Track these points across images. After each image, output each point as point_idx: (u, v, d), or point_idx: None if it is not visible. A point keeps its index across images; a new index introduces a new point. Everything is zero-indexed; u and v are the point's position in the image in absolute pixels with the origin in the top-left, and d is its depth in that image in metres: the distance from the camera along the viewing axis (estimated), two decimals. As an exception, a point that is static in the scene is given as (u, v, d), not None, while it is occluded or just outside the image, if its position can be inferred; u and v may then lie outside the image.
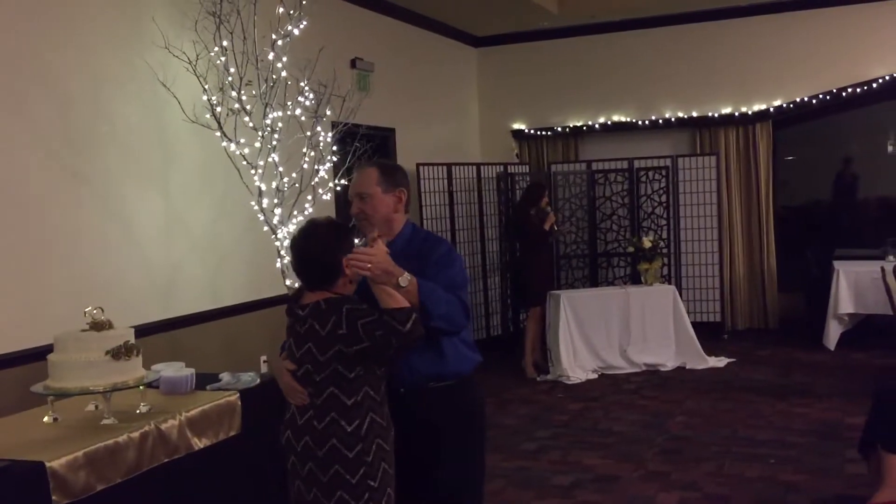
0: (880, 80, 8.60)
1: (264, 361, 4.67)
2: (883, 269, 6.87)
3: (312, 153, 5.38)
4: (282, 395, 2.84)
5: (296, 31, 5.20)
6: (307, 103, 5.35)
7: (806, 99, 8.90)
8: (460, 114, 9.89)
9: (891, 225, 8.85)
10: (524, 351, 7.74)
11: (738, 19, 9.07)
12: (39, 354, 3.73)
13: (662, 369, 7.62)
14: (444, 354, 2.88)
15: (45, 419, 3.36)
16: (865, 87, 8.66)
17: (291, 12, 5.18)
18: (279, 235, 5.15)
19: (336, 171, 5.70)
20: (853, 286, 7.85)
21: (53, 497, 2.83)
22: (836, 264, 8.05)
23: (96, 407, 3.49)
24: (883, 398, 4.00)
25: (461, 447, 2.93)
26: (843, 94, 8.74)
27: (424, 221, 8.25)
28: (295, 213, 5.29)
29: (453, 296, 2.81)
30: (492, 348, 8.73)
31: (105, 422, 3.27)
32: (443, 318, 2.76)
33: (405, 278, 2.69)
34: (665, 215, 8.76)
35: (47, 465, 2.84)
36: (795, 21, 8.91)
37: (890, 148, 9.20)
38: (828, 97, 8.82)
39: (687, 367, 7.66)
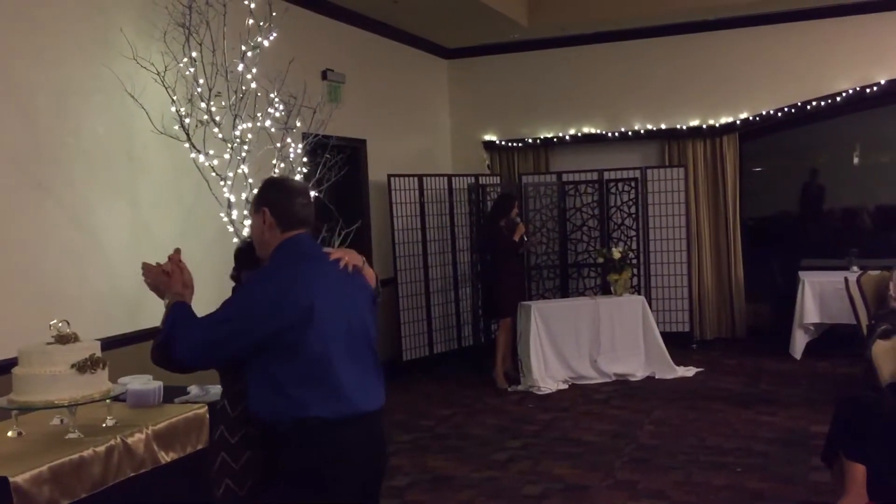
0: (844, 94, 8.76)
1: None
2: (847, 280, 6.99)
3: (282, 165, 5.38)
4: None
5: (266, 43, 5.21)
6: (277, 115, 5.35)
7: (772, 112, 9.05)
8: (432, 125, 9.92)
9: (855, 235, 9.02)
10: (495, 361, 7.76)
11: (705, 33, 9.20)
12: (4, 368, 3.69)
13: (632, 379, 7.67)
14: (248, 390, 2.70)
15: (10, 433, 3.32)
16: (830, 101, 8.81)
17: (261, 24, 5.18)
18: (249, 247, 5.13)
19: (307, 182, 5.69)
20: (818, 296, 7.98)
21: (17, 512, 2.80)
22: (802, 274, 8.18)
23: (61, 421, 3.45)
24: (844, 407, 4.06)
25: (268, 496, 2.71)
26: (808, 107, 8.89)
27: (395, 232, 8.27)
28: (265, 224, 5.27)
29: (185, 329, 2.66)
30: (463, 359, 8.77)
31: (70, 436, 3.24)
32: (163, 346, 2.69)
33: (166, 301, 2.80)
34: (634, 226, 8.85)
35: (11, 479, 2.81)
36: (761, 35, 9.06)
37: (855, 160, 9.37)
38: (793, 110, 8.96)
39: (656, 376, 7.72)
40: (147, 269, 2.87)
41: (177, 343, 2.65)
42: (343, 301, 2.69)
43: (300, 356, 2.58)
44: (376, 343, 2.83)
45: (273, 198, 2.76)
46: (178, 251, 2.91)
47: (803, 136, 9.32)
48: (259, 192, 2.85)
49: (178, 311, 2.74)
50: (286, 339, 2.57)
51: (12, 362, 3.38)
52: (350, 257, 2.79)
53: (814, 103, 8.87)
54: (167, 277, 2.83)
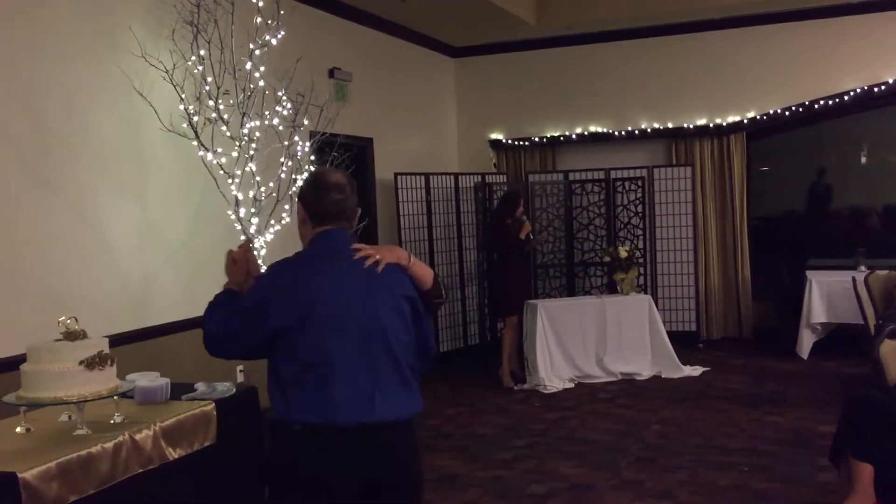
0: (852, 93, 8.74)
1: (240, 371, 4.66)
2: (854, 279, 6.97)
3: (290, 163, 5.39)
4: (257, 407, 2.87)
5: (273, 41, 5.21)
6: (285, 113, 5.36)
7: (779, 111, 9.02)
8: (438, 124, 9.93)
9: (862, 235, 8.99)
10: (501, 360, 7.76)
11: (712, 32, 9.18)
12: (12, 364, 3.71)
13: (638, 378, 7.67)
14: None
15: (18, 429, 3.33)
16: (837, 100, 8.79)
17: (269, 22, 5.19)
18: (256, 245, 5.15)
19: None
20: (825, 296, 7.96)
21: (25, 508, 2.82)
22: (809, 274, 8.16)
23: (69, 417, 3.47)
24: (851, 407, 4.05)
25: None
26: (816, 106, 8.87)
27: (402, 231, 8.27)
28: (272, 222, 5.29)
29: (211, 319, 2.69)
30: (469, 358, 8.77)
31: (78, 432, 3.25)
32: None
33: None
34: (641, 225, 8.84)
35: (19, 475, 2.82)
36: (769, 34, 9.04)
37: (863, 159, 9.34)
38: (800, 109, 8.94)
39: (662, 375, 7.71)
40: (227, 255, 2.90)
41: (204, 331, 2.69)
42: (355, 303, 2.57)
43: (297, 358, 2.53)
44: (408, 348, 2.64)
45: (306, 192, 2.74)
46: (248, 241, 2.98)
47: (811, 136, 9.30)
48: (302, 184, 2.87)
49: (219, 298, 2.76)
50: (286, 338, 2.53)
51: (21, 359, 3.40)
52: (385, 254, 2.67)
53: (821, 102, 8.85)
54: (233, 265, 2.86)
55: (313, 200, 2.70)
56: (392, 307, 2.62)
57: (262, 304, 2.58)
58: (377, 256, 2.64)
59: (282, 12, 5.24)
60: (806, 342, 8.10)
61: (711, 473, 5.15)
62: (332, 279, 2.59)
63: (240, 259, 2.86)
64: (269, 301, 2.57)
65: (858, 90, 8.72)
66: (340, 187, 2.71)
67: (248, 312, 2.60)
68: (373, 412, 2.53)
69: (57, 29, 4.75)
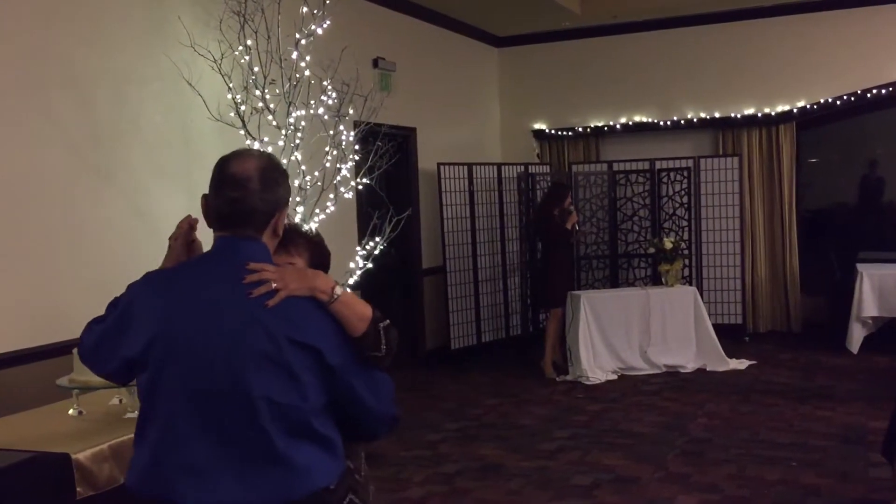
0: (906, 82, 8.53)
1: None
2: (907, 273, 6.81)
3: (335, 152, 5.41)
4: None
5: (319, 31, 5.23)
6: (330, 102, 5.38)
7: (830, 100, 8.83)
8: (481, 114, 9.89)
9: (915, 228, 8.78)
10: (544, 351, 7.73)
11: (761, 20, 9.01)
12: (65, 349, 3.79)
13: (683, 371, 7.58)
14: None
15: (71, 412, 3.40)
16: (891, 89, 8.57)
17: (315, 12, 5.20)
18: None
19: (358, 170, 5.72)
20: (877, 289, 7.77)
21: (78, 489, 2.88)
22: (860, 267, 7.98)
23: (120, 401, 3.53)
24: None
25: None
26: (868, 95, 8.66)
27: (445, 221, 8.27)
28: (317, 211, 5.32)
29: (102, 318, 2.07)
30: (510, 348, 8.75)
31: (129, 415, 3.31)
32: None
33: None
34: (686, 216, 8.72)
35: (73, 456, 2.88)
36: (820, 22, 8.84)
37: (916, 151, 9.11)
38: (852, 98, 8.74)
39: (707, 369, 7.61)
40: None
41: (81, 336, 2.09)
42: (215, 347, 1.86)
43: (142, 404, 1.93)
44: (293, 414, 1.86)
45: (210, 184, 2.01)
46: (189, 219, 2.16)
47: (862, 126, 9.08)
48: None
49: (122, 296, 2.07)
50: (138, 374, 1.93)
51: (74, 343, 3.45)
52: (289, 282, 1.91)
53: (873, 91, 8.63)
54: (175, 240, 2.15)
55: (212, 195, 2.00)
56: (272, 358, 1.85)
57: (122, 321, 1.96)
58: (274, 284, 1.89)
59: (327, 2, 5.25)
60: (856, 336, 7.92)
61: (759, 468, 5.07)
62: (193, 309, 1.89)
63: (177, 237, 2.13)
64: (130, 319, 1.94)
65: (913, 79, 8.50)
66: (237, 182, 1.95)
67: (109, 329, 1.99)
68: (214, 494, 1.85)
69: (108, 19, 4.83)
